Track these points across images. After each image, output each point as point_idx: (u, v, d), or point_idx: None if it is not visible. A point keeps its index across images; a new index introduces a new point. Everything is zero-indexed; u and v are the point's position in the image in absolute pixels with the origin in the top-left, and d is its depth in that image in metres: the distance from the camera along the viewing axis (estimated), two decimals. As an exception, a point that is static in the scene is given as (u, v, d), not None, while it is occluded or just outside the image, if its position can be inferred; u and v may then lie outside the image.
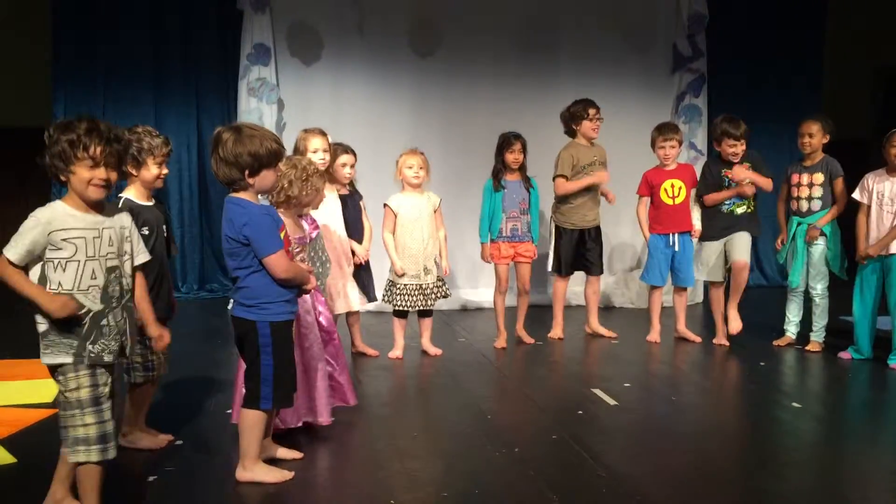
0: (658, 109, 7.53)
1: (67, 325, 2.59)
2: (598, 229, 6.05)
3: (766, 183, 5.66)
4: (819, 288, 5.60)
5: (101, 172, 2.61)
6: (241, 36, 7.12)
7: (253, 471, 3.21)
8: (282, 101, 7.19)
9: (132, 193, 3.48)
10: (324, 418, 3.74)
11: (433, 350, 5.48)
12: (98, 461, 2.65)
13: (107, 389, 2.68)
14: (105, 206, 2.73)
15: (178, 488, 3.15)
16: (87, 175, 2.60)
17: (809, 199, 5.58)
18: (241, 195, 3.04)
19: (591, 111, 5.96)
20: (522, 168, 5.72)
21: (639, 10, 7.61)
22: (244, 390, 3.24)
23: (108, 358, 2.66)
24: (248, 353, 3.18)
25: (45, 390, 4.45)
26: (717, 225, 5.73)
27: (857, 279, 5.36)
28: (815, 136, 5.54)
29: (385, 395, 4.64)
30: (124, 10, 7.45)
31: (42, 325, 2.62)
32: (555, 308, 6.14)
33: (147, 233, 3.39)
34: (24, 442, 3.68)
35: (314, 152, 4.85)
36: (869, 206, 5.25)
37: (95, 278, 2.64)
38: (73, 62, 7.47)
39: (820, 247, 5.57)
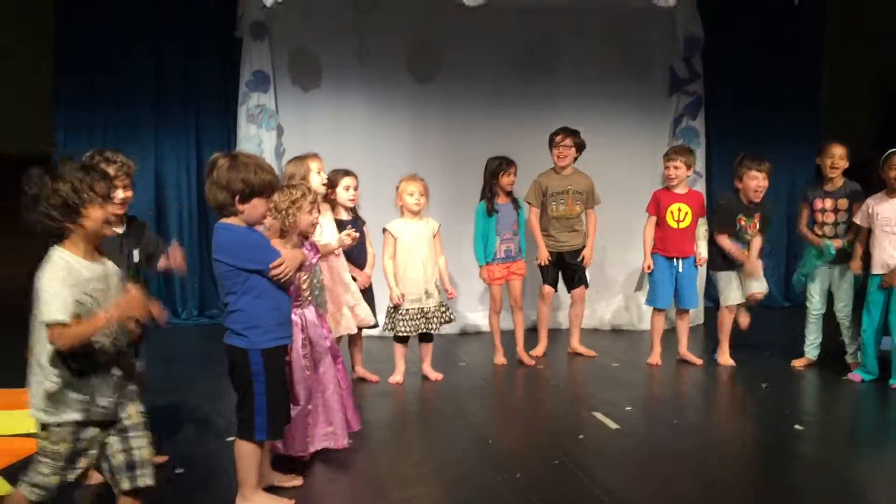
0: (655, 132, 7.54)
1: (81, 380, 2.53)
2: (576, 252, 6.10)
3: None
4: (845, 310, 5.57)
5: (114, 205, 2.59)
6: (241, 63, 7.15)
7: (252, 499, 3.19)
8: (281, 128, 7.21)
9: None
10: (342, 442, 3.74)
11: (434, 375, 5.46)
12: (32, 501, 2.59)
13: (86, 444, 2.59)
14: (101, 249, 2.64)
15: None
16: (101, 214, 2.53)
17: (835, 224, 5.54)
18: (230, 221, 3.05)
19: (557, 138, 6.04)
20: (511, 191, 5.88)
21: (635, 33, 7.64)
22: (237, 420, 3.22)
23: (111, 411, 2.60)
24: (240, 383, 3.15)
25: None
26: (727, 258, 5.72)
27: (865, 300, 5.35)
28: (843, 159, 5.50)
29: (386, 420, 4.62)
30: (125, 37, 7.48)
31: (52, 384, 2.52)
32: (539, 327, 6.30)
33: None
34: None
35: (318, 173, 4.85)
36: (869, 230, 5.27)
37: (109, 328, 2.56)
38: (74, 89, 7.49)
39: (848, 272, 5.52)
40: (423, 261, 5.27)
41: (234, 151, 3.13)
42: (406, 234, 5.27)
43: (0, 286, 9.31)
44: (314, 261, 3.91)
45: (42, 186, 2.49)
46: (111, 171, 3.25)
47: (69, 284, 2.46)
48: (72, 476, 2.60)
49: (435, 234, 5.37)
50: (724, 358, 5.86)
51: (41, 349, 2.53)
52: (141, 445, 2.69)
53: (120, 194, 3.39)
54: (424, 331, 5.33)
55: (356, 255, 5.25)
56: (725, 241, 5.69)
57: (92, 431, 2.60)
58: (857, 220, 5.33)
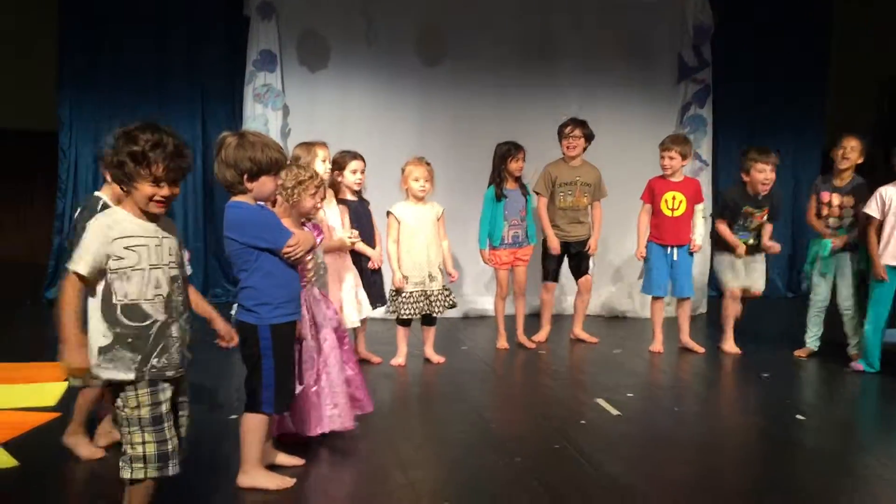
0: (663, 120, 7.53)
1: (135, 337, 2.52)
2: (582, 243, 6.11)
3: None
4: (850, 303, 5.55)
5: (163, 190, 2.53)
6: (248, 42, 7.13)
7: (254, 476, 3.21)
8: (287, 108, 7.20)
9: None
10: (348, 423, 3.73)
11: (436, 358, 5.47)
12: (153, 478, 2.59)
13: (167, 406, 2.60)
14: (160, 217, 2.64)
15: (178, 494, 3.13)
16: (149, 191, 2.52)
17: (840, 218, 5.53)
18: (240, 199, 3.07)
19: (566, 129, 6.04)
20: (520, 176, 5.89)
21: (644, 21, 7.61)
22: (245, 394, 3.24)
23: (170, 373, 2.59)
24: (249, 357, 3.18)
25: (48, 393, 4.46)
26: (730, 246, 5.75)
27: (871, 292, 5.32)
28: (853, 152, 5.46)
29: (387, 403, 4.63)
30: (130, 17, 7.46)
31: (105, 339, 2.52)
32: (542, 313, 6.30)
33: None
34: (26, 445, 3.68)
35: (323, 161, 4.86)
36: (882, 221, 5.21)
37: (160, 287, 2.56)
38: (79, 67, 7.47)
39: (845, 261, 5.52)
40: (426, 244, 5.28)
41: (242, 130, 3.14)
42: (410, 218, 5.27)
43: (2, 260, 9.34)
44: (318, 241, 3.92)
45: (116, 143, 2.52)
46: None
47: (106, 241, 2.49)
48: (169, 445, 2.59)
49: (439, 217, 5.37)
50: (729, 345, 5.86)
51: (93, 302, 2.54)
52: (185, 424, 2.73)
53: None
54: (427, 313, 5.34)
55: (364, 237, 5.25)
56: (724, 230, 5.71)
57: (169, 392, 2.60)
58: (870, 210, 5.23)
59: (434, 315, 5.39)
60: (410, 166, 5.29)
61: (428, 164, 5.30)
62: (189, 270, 2.82)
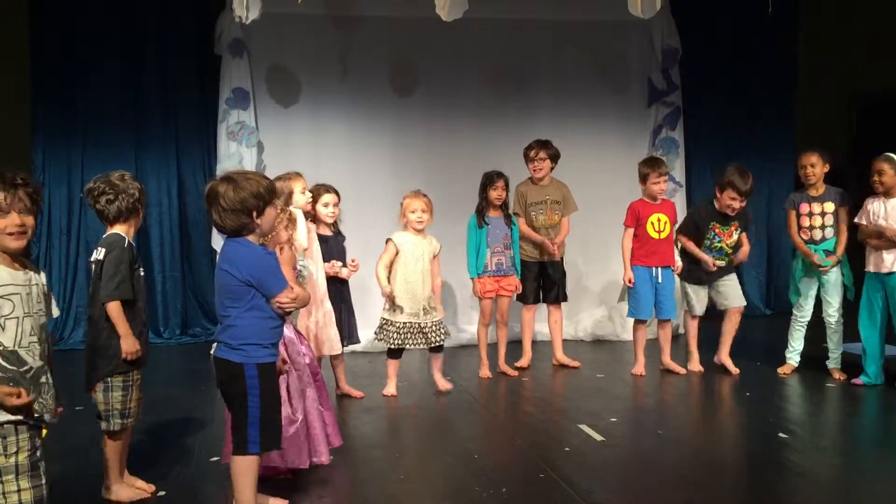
0: (635, 143, 7.60)
1: (15, 382, 2.47)
2: (557, 264, 6.13)
3: (744, 255, 5.94)
4: (835, 315, 5.59)
5: (13, 219, 2.49)
6: (220, 80, 7.14)
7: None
8: (261, 144, 7.19)
9: (124, 231, 3.49)
10: (324, 458, 3.73)
11: (443, 384, 5.49)
12: None
13: (40, 452, 2.54)
14: (26, 261, 2.60)
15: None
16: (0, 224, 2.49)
17: (823, 227, 5.58)
18: (245, 237, 3.06)
19: (531, 153, 6.08)
20: (505, 205, 5.91)
21: (614, 46, 7.71)
22: (231, 436, 3.19)
23: (47, 417, 2.56)
24: (234, 396, 3.12)
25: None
26: (702, 270, 5.79)
27: (862, 301, 5.33)
28: (816, 166, 5.55)
29: (371, 436, 4.60)
30: (102, 58, 7.44)
31: None
32: (523, 338, 6.28)
33: (143, 273, 3.52)
34: None
35: (303, 192, 4.85)
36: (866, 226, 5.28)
37: (34, 335, 2.54)
38: (52, 107, 7.41)
39: (834, 273, 5.57)
40: (422, 276, 5.30)
41: (227, 173, 3.13)
42: (409, 247, 5.30)
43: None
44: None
45: None
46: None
47: None
48: (45, 490, 2.52)
49: (436, 254, 5.39)
50: (694, 364, 5.93)
51: None
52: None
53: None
54: (423, 346, 5.36)
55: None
56: (690, 245, 5.78)
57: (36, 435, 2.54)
58: (858, 220, 5.29)
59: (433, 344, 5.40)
60: (409, 200, 5.34)
61: (426, 196, 5.32)
62: (56, 312, 2.75)
